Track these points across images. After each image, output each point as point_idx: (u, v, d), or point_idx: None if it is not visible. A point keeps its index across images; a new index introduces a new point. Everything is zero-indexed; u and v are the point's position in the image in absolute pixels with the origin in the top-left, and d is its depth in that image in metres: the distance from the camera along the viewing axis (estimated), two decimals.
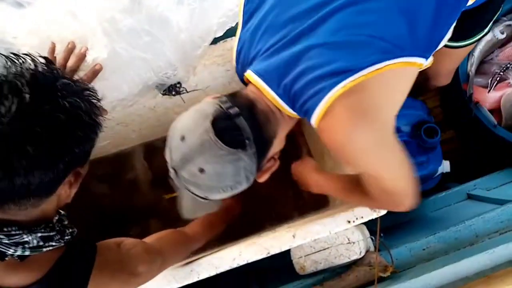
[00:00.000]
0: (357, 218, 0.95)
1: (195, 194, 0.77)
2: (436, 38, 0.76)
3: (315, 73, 0.68)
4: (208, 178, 0.73)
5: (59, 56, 0.90)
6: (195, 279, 0.95)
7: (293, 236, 0.96)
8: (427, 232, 1.12)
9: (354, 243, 1.00)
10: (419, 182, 1.34)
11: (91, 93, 0.65)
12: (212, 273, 0.95)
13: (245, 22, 0.80)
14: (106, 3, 0.92)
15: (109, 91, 0.95)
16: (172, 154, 0.75)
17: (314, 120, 0.71)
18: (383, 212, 0.97)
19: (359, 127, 0.68)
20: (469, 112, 1.43)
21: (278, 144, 0.81)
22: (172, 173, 0.77)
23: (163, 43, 0.94)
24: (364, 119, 0.68)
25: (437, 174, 1.34)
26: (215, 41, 1.08)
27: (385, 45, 0.68)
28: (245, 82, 0.82)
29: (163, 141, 1.46)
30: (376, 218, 0.99)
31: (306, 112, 0.72)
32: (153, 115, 1.31)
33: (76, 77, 0.90)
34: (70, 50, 0.90)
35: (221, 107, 0.73)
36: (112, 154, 1.48)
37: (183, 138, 0.73)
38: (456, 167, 1.44)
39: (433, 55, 0.79)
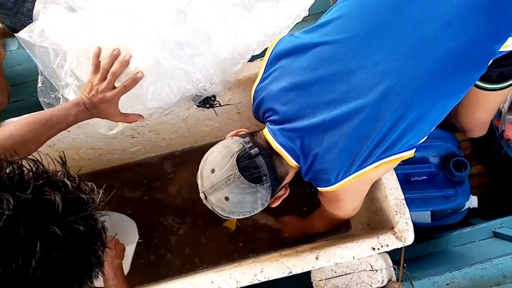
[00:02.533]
0: (382, 246, 0.95)
1: (220, 214, 0.91)
2: None
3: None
4: (231, 204, 0.87)
5: (103, 61, 0.94)
6: None
7: (316, 258, 0.96)
8: (451, 267, 1.10)
9: (377, 270, 0.99)
10: (445, 215, 1.34)
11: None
12: (233, 287, 0.95)
13: (270, 73, 0.93)
14: (153, 14, 0.96)
15: (148, 99, 0.98)
16: (203, 181, 0.89)
17: (328, 189, 0.89)
18: (408, 241, 0.96)
19: (355, 202, 1.03)
20: (500, 149, 1.41)
21: (288, 178, 0.95)
22: (202, 196, 0.90)
23: (205, 56, 0.97)
24: (358, 198, 1.02)
25: (464, 208, 1.32)
26: (252, 58, 1.10)
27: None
28: (258, 119, 0.99)
29: (189, 151, 1.51)
30: (401, 248, 0.99)
31: (315, 180, 0.90)
32: (184, 126, 1.34)
33: (117, 83, 0.94)
34: (114, 56, 0.93)
35: (244, 146, 0.88)
36: (141, 160, 1.50)
37: (213, 171, 0.87)
38: (482, 202, 1.41)
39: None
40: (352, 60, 0.84)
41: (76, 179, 0.58)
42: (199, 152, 1.50)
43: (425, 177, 1.30)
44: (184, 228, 1.45)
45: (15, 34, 0.99)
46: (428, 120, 0.86)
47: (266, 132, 0.91)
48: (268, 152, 0.89)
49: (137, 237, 1.18)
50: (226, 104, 1.22)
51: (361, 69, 0.83)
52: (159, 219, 1.46)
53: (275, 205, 0.96)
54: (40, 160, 0.57)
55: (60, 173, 0.58)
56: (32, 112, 1.07)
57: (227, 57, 1.00)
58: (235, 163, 0.85)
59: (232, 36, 1.00)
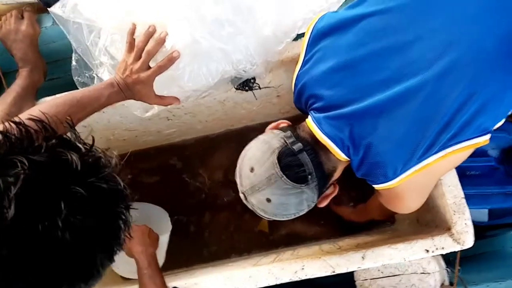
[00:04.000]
0: (437, 248, 0.86)
1: (262, 216, 0.82)
2: None
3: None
4: (274, 207, 0.78)
5: (138, 39, 0.88)
6: (252, 287, 0.90)
7: (363, 258, 0.88)
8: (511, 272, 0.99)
9: (429, 274, 0.90)
10: (506, 214, 1.22)
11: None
12: (271, 283, 0.89)
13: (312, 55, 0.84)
14: None
15: (185, 80, 0.91)
16: (242, 181, 0.80)
17: (385, 186, 0.78)
18: (468, 245, 0.86)
19: (420, 199, 0.86)
20: None
21: (337, 174, 0.84)
22: (242, 196, 0.82)
23: (246, 35, 0.89)
24: (423, 194, 0.86)
25: None
26: (297, 37, 1.01)
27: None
28: (300, 109, 0.89)
29: (225, 134, 1.45)
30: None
31: (369, 175, 0.79)
32: (221, 108, 1.27)
33: (152, 62, 0.88)
34: (150, 34, 0.87)
35: (285, 142, 0.78)
36: (176, 142, 1.46)
37: (252, 169, 0.78)
38: None
39: None
40: (407, 30, 0.72)
41: (86, 143, 0.52)
42: (235, 135, 1.47)
43: (482, 172, 1.17)
44: (216, 214, 1.40)
45: (48, 8, 0.95)
46: (506, 97, 0.71)
47: (309, 122, 0.81)
48: (313, 146, 0.79)
49: (170, 227, 1.15)
50: (266, 87, 1.14)
51: (418, 40, 0.71)
52: (191, 203, 1.41)
53: (323, 205, 0.86)
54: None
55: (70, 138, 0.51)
56: (68, 90, 1.03)
57: (270, 36, 0.92)
58: (276, 161, 0.75)
59: (276, 12, 0.91)
